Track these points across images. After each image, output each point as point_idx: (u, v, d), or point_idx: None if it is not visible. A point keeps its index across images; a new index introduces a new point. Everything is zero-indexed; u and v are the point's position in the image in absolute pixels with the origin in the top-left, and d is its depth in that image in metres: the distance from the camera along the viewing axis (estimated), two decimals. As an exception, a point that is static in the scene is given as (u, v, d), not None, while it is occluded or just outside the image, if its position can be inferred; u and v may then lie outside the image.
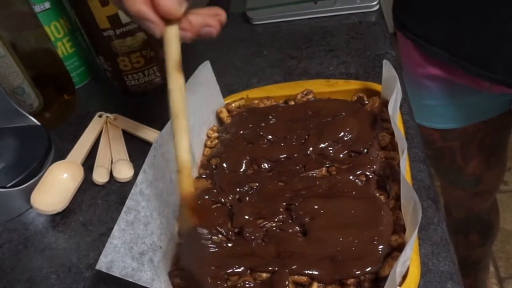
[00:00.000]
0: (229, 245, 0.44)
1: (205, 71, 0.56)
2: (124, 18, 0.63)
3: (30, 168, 0.58)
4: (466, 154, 0.83)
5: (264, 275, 0.41)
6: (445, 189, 0.99)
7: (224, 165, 0.51)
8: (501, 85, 0.63)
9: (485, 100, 0.71)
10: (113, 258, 0.38)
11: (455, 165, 0.85)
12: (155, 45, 0.68)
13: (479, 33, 0.59)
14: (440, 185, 0.99)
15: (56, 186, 0.57)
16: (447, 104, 0.75)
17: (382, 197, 0.44)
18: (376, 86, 0.56)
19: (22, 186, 0.56)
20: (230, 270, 0.42)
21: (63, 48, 0.73)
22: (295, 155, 0.51)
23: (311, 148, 0.50)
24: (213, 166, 0.52)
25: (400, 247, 0.40)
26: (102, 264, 0.37)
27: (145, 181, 0.43)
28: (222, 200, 0.48)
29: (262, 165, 0.51)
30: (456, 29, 0.62)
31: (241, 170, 0.51)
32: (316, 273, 0.39)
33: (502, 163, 0.91)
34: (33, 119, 0.63)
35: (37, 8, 0.68)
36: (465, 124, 0.77)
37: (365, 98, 0.56)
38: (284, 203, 0.46)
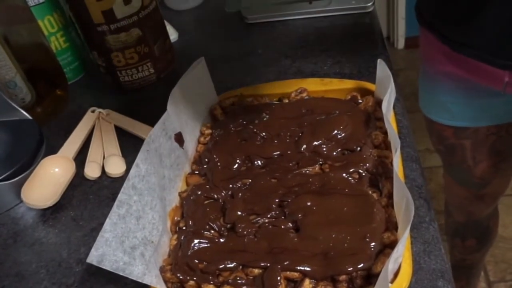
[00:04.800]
0: (221, 240, 0.44)
1: (200, 68, 0.55)
2: (119, 13, 0.63)
3: (21, 162, 0.57)
4: (476, 155, 0.82)
5: (256, 271, 0.41)
6: (449, 189, 0.99)
7: (217, 161, 0.51)
8: None
9: (499, 105, 0.71)
10: (104, 252, 0.37)
11: (464, 164, 0.85)
12: (150, 41, 0.67)
13: (498, 23, 0.59)
14: (445, 184, 0.99)
15: (47, 181, 0.57)
16: (461, 103, 0.74)
17: (374, 195, 0.45)
18: (370, 86, 0.56)
19: (13, 180, 0.56)
20: (222, 266, 0.42)
21: (57, 42, 0.73)
22: (289, 152, 0.51)
23: (304, 146, 0.50)
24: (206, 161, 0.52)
25: (392, 245, 0.40)
26: (93, 258, 0.37)
27: (138, 175, 0.43)
28: (215, 196, 0.48)
29: (255, 162, 0.51)
30: (478, 19, 0.61)
31: (234, 166, 0.51)
32: (308, 269, 0.39)
33: (510, 171, 0.90)
34: (25, 113, 0.63)
35: (31, 2, 0.68)
36: (478, 124, 0.77)
37: (359, 97, 0.56)
38: (277, 200, 0.46)
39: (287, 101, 0.58)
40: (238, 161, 0.51)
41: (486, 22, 0.60)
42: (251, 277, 0.41)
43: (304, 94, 0.57)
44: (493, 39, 0.61)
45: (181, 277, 0.42)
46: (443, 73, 0.72)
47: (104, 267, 0.37)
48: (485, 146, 0.80)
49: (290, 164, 0.49)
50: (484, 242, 1.09)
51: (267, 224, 0.44)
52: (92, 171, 0.58)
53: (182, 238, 0.45)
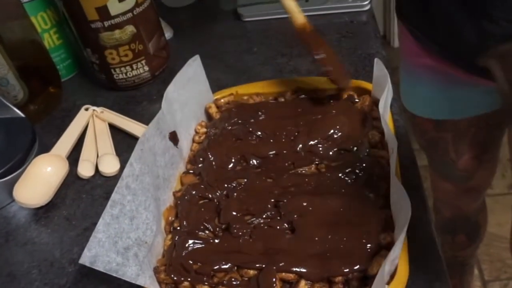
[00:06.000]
0: (216, 241, 0.44)
1: (195, 66, 0.55)
2: (113, 10, 0.62)
3: (13, 161, 0.56)
4: (458, 148, 0.83)
5: (251, 272, 0.40)
6: (435, 184, 0.99)
7: (212, 160, 0.51)
8: (495, 81, 0.63)
9: (478, 95, 0.72)
10: (97, 253, 0.37)
11: (447, 157, 0.85)
12: (144, 38, 0.67)
13: (462, 34, 0.60)
14: (430, 180, 0.99)
15: (40, 180, 0.56)
16: (440, 95, 0.75)
17: (371, 195, 0.44)
18: (367, 85, 0.56)
19: (5, 179, 0.55)
20: (216, 267, 0.41)
21: (50, 39, 0.72)
22: (284, 151, 0.50)
23: (300, 145, 0.50)
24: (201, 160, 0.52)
25: (388, 246, 0.39)
26: (85, 259, 0.36)
27: (132, 175, 0.42)
28: (210, 196, 0.47)
29: (251, 162, 0.50)
30: (446, 27, 0.62)
31: (229, 166, 0.50)
32: (304, 270, 0.39)
33: (493, 163, 0.91)
34: (17, 110, 0.62)
35: (24, -2, 0.67)
36: (457, 116, 0.77)
37: (356, 97, 0.55)
38: (273, 200, 0.45)
39: (283, 100, 0.57)
40: (233, 160, 0.51)
41: (450, 33, 0.61)
42: (246, 278, 0.40)
43: (300, 93, 0.57)
44: (458, 50, 0.62)
45: (175, 278, 0.41)
46: (421, 65, 0.72)
47: (97, 268, 0.37)
48: (467, 138, 0.81)
49: (286, 164, 0.49)
50: (474, 237, 1.09)
51: (262, 225, 0.44)
52: (85, 170, 0.58)
53: (176, 239, 0.44)
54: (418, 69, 0.74)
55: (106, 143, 0.61)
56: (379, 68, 0.51)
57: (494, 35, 0.56)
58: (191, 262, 0.42)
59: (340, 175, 0.46)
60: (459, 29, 0.60)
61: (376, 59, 0.51)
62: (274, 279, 0.39)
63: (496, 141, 0.86)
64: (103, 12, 0.62)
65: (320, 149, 0.49)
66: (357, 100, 0.55)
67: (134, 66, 0.68)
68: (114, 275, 0.38)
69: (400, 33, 0.76)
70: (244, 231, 0.43)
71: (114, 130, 0.64)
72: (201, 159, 0.52)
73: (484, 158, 0.86)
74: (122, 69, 0.68)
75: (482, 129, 0.79)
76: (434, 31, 0.65)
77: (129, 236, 0.40)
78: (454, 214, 1.03)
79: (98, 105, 0.67)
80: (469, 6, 0.57)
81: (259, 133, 0.53)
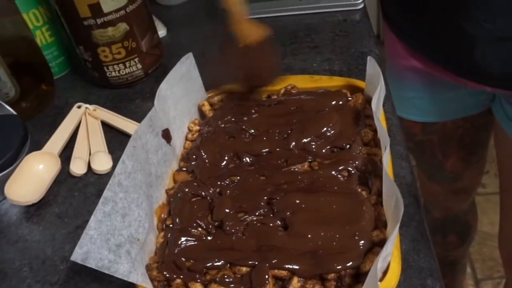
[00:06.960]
0: (209, 238, 0.43)
1: (188, 64, 0.55)
2: (106, 8, 0.62)
3: (4, 158, 0.56)
4: (446, 150, 0.84)
5: (244, 269, 0.40)
6: (424, 185, 1.00)
7: (205, 158, 0.51)
8: (479, 83, 0.63)
9: (464, 97, 0.72)
10: (89, 250, 0.37)
11: (435, 159, 0.86)
12: (137, 36, 0.66)
13: (448, 37, 0.60)
14: (419, 182, 1.00)
15: (31, 177, 0.56)
16: (426, 97, 0.75)
17: (364, 193, 0.44)
18: (360, 83, 0.56)
19: (-4, 176, 0.55)
20: (209, 264, 0.41)
21: (42, 37, 0.71)
22: (277, 149, 0.50)
23: (293, 143, 0.50)
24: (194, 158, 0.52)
25: (381, 243, 0.40)
26: (77, 256, 0.36)
27: (124, 172, 0.42)
28: (203, 193, 0.47)
29: (244, 159, 0.50)
30: (431, 30, 0.63)
31: (222, 163, 0.50)
32: (296, 267, 0.39)
33: (480, 164, 0.92)
34: (8, 108, 0.61)
35: (16, -5, 0.66)
36: (444, 119, 0.78)
37: (349, 95, 0.55)
38: (266, 197, 0.45)
39: (275, 97, 0.57)
40: (226, 158, 0.51)
41: (436, 36, 0.61)
42: (238, 276, 0.40)
43: (294, 91, 0.57)
44: (444, 53, 0.62)
45: (167, 275, 0.41)
46: (407, 67, 0.73)
47: (89, 265, 0.36)
48: (453, 140, 0.81)
49: (279, 161, 0.49)
50: (465, 237, 1.10)
51: (255, 222, 0.44)
52: (77, 168, 0.57)
53: (169, 236, 0.44)
54: (404, 71, 0.74)
55: (99, 141, 0.61)
56: (372, 66, 0.51)
57: (478, 38, 0.57)
58: (184, 260, 0.42)
59: (333, 172, 0.46)
60: (443, 33, 0.60)
61: (369, 57, 0.51)
62: (266, 276, 0.39)
63: (483, 143, 0.86)
64: (96, 9, 0.61)
65: (313, 146, 0.49)
66: (350, 98, 0.55)
67: (127, 64, 0.68)
68: (106, 272, 0.37)
69: (387, 36, 0.76)
70: (237, 228, 0.43)
71: (107, 127, 0.63)
72: (194, 156, 0.52)
73: (471, 160, 0.87)
74: (115, 66, 0.68)
75: (469, 130, 0.80)
76: (420, 34, 0.65)
77: (121, 233, 0.40)
78: (444, 215, 1.04)
79: (90, 103, 0.66)
80: (453, 9, 0.57)
81: (252, 130, 0.53)
